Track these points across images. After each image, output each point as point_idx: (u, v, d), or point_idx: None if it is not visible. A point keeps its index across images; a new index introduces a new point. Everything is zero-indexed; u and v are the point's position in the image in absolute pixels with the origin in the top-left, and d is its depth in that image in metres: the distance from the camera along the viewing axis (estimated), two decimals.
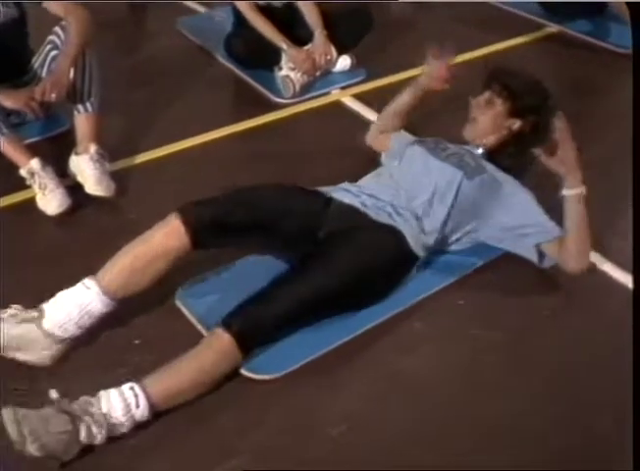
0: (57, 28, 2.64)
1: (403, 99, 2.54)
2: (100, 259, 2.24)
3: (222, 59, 3.45)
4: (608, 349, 2.02)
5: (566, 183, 2.01)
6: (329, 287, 1.93)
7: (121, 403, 1.67)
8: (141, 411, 1.69)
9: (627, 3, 3.33)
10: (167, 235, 1.95)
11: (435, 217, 2.15)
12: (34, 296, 1.95)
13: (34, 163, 2.46)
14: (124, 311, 1.98)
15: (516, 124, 2.26)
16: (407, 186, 2.19)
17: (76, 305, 1.87)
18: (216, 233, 2.00)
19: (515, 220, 2.16)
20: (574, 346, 2.05)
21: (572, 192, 2.01)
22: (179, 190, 2.58)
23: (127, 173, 2.70)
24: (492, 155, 2.30)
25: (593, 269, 2.25)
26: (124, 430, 1.69)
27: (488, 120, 2.28)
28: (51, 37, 2.66)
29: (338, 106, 3.20)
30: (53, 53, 2.64)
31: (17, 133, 2.57)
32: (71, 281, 2.06)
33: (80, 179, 2.55)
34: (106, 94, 2.69)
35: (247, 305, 1.88)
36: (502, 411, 1.85)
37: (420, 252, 2.14)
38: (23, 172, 2.48)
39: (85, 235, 2.42)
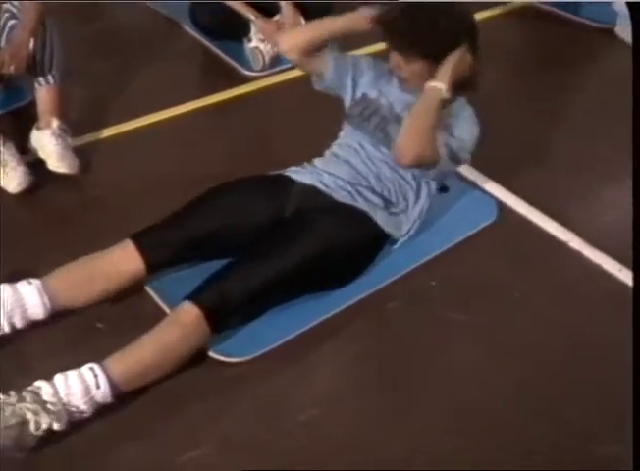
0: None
1: (340, 27, 2.16)
2: (63, 238, 2.21)
3: (189, 29, 3.36)
4: (583, 332, 2.01)
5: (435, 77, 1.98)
6: (291, 267, 1.88)
7: (80, 385, 1.60)
8: (102, 393, 1.63)
9: (627, 3, 3.29)
10: (122, 258, 1.91)
11: (390, 189, 2.10)
12: None
13: None
14: None
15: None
16: (360, 166, 2.12)
17: (11, 299, 1.79)
18: (173, 256, 1.96)
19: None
20: (547, 329, 2.03)
21: (431, 85, 1.97)
22: (145, 167, 2.52)
23: (91, 148, 2.62)
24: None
25: (562, 246, 2.25)
26: (85, 415, 1.63)
27: (413, 76, 2.05)
28: (6, 5, 2.53)
29: (308, 79, 3.12)
30: (11, 22, 2.51)
31: None
32: (32, 261, 2.02)
33: (41, 155, 2.46)
34: (68, 65, 2.58)
35: (215, 281, 1.84)
36: (476, 396, 1.83)
37: (390, 228, 2.09)
38: None
39: (48, 214, 2.35)
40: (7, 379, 1.67)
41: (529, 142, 2.74)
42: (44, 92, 2.52)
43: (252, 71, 3.09)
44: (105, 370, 1.63)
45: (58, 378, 1.61)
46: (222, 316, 1.81)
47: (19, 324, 1.82)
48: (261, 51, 3.06)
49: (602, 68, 3.35)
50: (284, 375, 1.86)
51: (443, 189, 2.42)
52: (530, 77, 3.18)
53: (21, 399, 1.55)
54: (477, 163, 2.55)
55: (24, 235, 2.22)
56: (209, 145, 2.66)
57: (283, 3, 3.16)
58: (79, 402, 1.60)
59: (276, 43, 3.06)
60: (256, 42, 3.08)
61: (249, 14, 3.11)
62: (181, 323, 1.75)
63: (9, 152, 2.37)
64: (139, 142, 2.69)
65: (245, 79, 3.06)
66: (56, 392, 1.58)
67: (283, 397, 1.80)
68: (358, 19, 2.11)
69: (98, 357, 1.69)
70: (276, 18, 3.15)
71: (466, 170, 2.55)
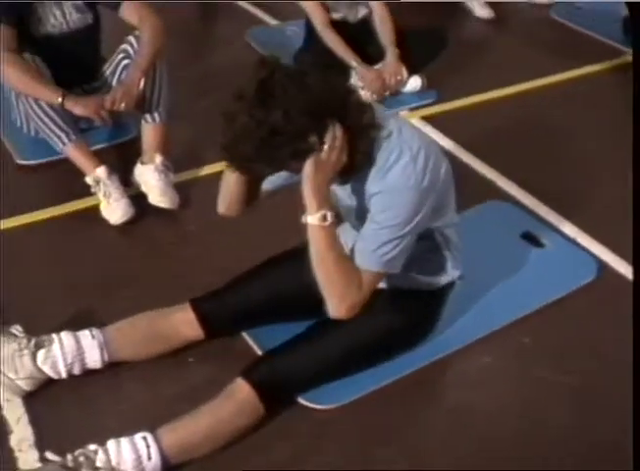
0: (130, 37, 2.64)
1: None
2: (158, 269, 2.26)
3: None
4: None
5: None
6: (353, 345, 1.81)
7: (132, 455, 1.57)
8: (153, 465, 1.59)
9: (627, 3, 3.24)
10: (183, 323, 1.90)
11: None
12: (88, 298, 1.98)
13: (100, 171, 2.47)
14: None
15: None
16: None
17: (73, 349, 1.82)
18: (233, 325, 1.96)
19: None
20: None
21: (303, 223, 1.63)
22: None
23: (190, 184, 2.68)
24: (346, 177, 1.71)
25: None
26: None
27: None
28: (124, 46, 2.67)
29: None
30: (125, 62, 2.65)
31: (84, 140, 2.59)
32: (128, 288, 2.10)
33: (144, 188, 2.54)
34: (173, 103, 2.68)
35: (271, 355, 1.81)
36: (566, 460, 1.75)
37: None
38: (88, 179, 2.48)
39: (146, 245, 2.41)
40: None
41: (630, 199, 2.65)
42: (150, 129, 2.62)
43: None
44: (158, 441, 1.61)
45: (111, 445, 1.59)
46: (275, 394, 1.74)
47: (77, 372, 1.84)
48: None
49: None
50: (370, 425, 1.82)
51: (538, 244, 2.38)
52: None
53: (77, 465, 1.55)
54: (578, 220, 2.49)
55: (121, 264, 2.29)
56: None
57: (388, 51, 3.18)
58: None
59: (375, 91, 3.11)
60: (356, 87, 3.10)
61: (352, 61, 3.14)
62: (233, 399, 1.70)
63: (113, 185, 2.46)
64: None
65: None
66: (108, 460, 1.57)
67: (371, 448, 1.76)
68: None
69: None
70: (377, 66, 3.17)
71: (568, 227, 2.49)
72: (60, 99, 2.44)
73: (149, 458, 1.58)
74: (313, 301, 1.70)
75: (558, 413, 1.88)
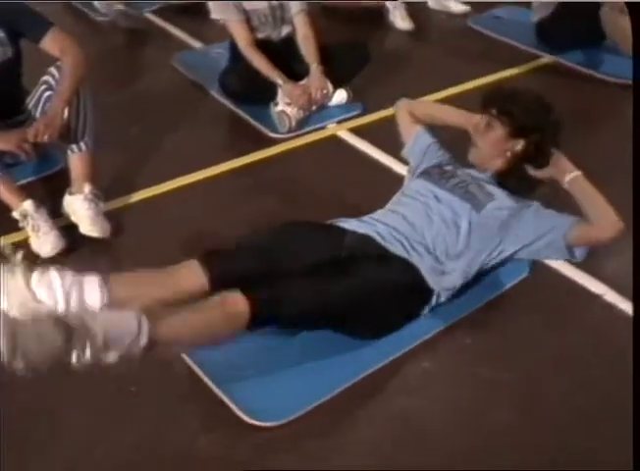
0: (52, 69, 2.58)
1: (451, 119, 2.44)
2: None
3: (216, 95, 3.40)
4: (623, 392, 1.93)
5: (562, 178, 2.13)
6: (337, 293, 1.89)
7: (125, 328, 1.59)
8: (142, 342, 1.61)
9: (627, 3, 3.29)
10: (188, 276, 1.92)
11: (450, 250, 2.10)
12: None
13: (27, 205, 2.40)
14: None
15: (519, 145, 2.20)
16: (419, 222, 2.14)
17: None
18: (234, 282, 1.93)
19: (533, 233, 2.13)
20: (584, 390, 1.97)
21: (571, 178, 2.12)
22: (176, 229, 2.52)
23: (122, 212, 2.63)
24: (500, 178, 2.26)
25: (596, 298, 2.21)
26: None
27: (489, 144, 2.22)
28: (45, 78, 2.60)
29: (334, 140, 3.15)
30: (47, 93, 2.58)
31: (9, 175, 2.51)
32: None
33: (74, 219, 2.48)
34: (99, 130, 2.63)
35: (272, 285, 1.85)
36: (509, 455, 1.76)
37: (436, 286, 2.07)
38: (15, 214, 2.41)
39: None
40: None
41: (554, 196, 2.71)
42: (77, 159, 2.56)
43: (278, 133, 3.11)
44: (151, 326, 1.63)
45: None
46: (265, 317, 1.81)
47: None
48: (287, 114, 3.08)
49: (622, 121, 3.34)
50: (316, 438, 1.81)
51: None
52: None
53: (74, 324, 1.54)
54: None
55: None
56: (238, 206, 2.67)
57: (312, 67, 3.20)
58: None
59: (302, 106, 3.12)
60: (283, 106, 3.11)
61: (278, 79, 3.14)
62: (227, 310, 1.75)
63: (41, 218, 2.39)
64: (170, 205, 2.70)
65: (273, 142, 3.08)
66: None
67: (317, 462, 1.74)
68: (476, 121, 2.25)
69: None
70: (303, 82, 3.18)
71: None
72: None
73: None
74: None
75: (501, 412, 1.88)
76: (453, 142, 2.43)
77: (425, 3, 4.45)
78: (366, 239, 2.08)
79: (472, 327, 2.14)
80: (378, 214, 2.23)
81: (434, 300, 2.09)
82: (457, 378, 2.01)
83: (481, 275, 2.20)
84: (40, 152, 2.68)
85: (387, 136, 2.67)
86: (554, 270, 2.36)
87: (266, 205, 2.65)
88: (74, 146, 2.55)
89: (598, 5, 3.49)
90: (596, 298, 2.26)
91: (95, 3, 4.27)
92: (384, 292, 1.95)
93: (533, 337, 2.13)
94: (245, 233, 2.30)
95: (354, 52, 3.37)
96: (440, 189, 2.22)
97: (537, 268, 2.34)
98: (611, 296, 2.25)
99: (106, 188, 2.61)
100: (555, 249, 2.14)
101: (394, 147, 2.61)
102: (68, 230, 2.45)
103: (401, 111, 2.53)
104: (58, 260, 2.33)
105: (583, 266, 2.31)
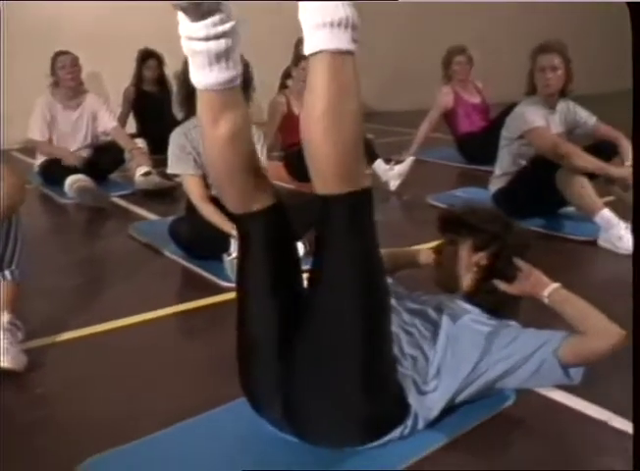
0: None
1: (405, 258, 2.27)
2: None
3: (169, 254, 3.18)
4: None
5: (540, 292, 1.85)
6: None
7: None
8: None
9: (627, 3, 3.21)
10: None
11: (428, 364, 1.78)
12: None
13: None
14: None
15: (483, 258, 1.97)
16: (396, 334, 1.82)
17: None
18: None
19: (518, 354, 1.77)
20: None
21: (550, 291, 1.84)
22: (99, 368, 2.18)
23: (45, 349, 2.27)
24: (472, 297, 1.98)
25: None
26: None
27: (454, 261, 2.01)
28: None
29: None
30: None
31: None
32: None
33: None
34: (39, 282, 2.46)
35: None
36: None
37: (415, 402, 1.73)
38: None
39: None
40: None
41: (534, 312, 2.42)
42: (0, 287, 2.25)
43: (231, 282, 2.84)
44: None
45: None
46: None
47: None
48: None
49: (586, 273, 3.14)
50: None
51: None
52: None
53: None
54: None
55: None
56: (182, 347, 2.35)
57: None
58: None
59: None
60: (236, 254, 2.88)
61: (231, 230, 2.95)
62: None
63: None
64: (100, 345, 2.35)
65: (224, 290, 2.80)
66: None
67: None
68: (425, 256, 2.15)
69: None
70: None
71: None
72: None
73: None
74: None
75: None
76: None
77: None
78: None
79: (456, 454, 1.74)
80: None
81: (409, 422, 1.73)
82: None
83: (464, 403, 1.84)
84: None
85: None
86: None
87: (212, 346, 2.31)
88: None
89: (554, 171, 3.43)
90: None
91: (66, 186, 4.19)
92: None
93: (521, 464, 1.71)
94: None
95: (309, 207, 3.22)
96: (412, 303, 1.95)
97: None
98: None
99: (33, 329, 2.30)
100: (547, 371, 1.76)
101: None
102: None
103: None
104: None
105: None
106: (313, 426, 1.67)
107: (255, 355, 1.73)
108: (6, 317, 2.18)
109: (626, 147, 3.41)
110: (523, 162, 3.60)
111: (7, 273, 2.27)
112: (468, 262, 1.99)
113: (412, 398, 1.73)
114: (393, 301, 1.95)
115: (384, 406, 1.69)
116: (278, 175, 4.02)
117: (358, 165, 1.57)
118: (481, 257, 1.97)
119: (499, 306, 1.96)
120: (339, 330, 1.60)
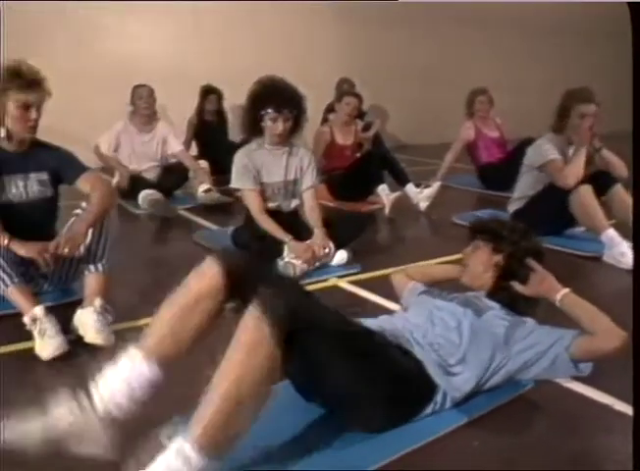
0: (83, 204, 2.51)
1: (440, 273, 2.38)
2: None
3: None
4: None
5: (553, 296, 1.91)
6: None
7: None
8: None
9: (627, 3, 3.23)
10: (200, 278, 1.63)
11: (454, 352, 1.85)
12: None
13: (38, 309, 2.19)
14: None
15: (500, 259, 2.08)
16: (423, 323, 1.93)
17: (123, 380, 1.54)
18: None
19: (533, 350, 1.86)
20: None
21: (562, 295, 1.90)
22: None
23: (125, 331, 2.38)
24: (494, 294, 2.07)
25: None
26: None
27: (478, 261, 2.11)
28: (77, 211, 2.53)
29: (335, 289, 2.97)
30: (74, 218, 2.49)
31: (26, 284, 2.32)
32: None
33: (81, 331, 2.25)
34: (121, 276, 2.53)
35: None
36: None
37: (443, 382, 1.80)
38: (26, 318, 2.19)
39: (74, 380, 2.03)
40: None
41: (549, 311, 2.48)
42: (92, 278, 2.41)
43: None
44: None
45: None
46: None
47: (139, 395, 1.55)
48: (293, 264, 2.95)
49: (593, 283, 3.18)
50: None
51: None
52: None
53: None
54: None
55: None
56: None
57: (315, 230, 3.15)
58: None
59: (306, 261, 2.99)
60: (289, 259, 2.99)
61: (284, 237, 3.06)
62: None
63: (50, 322, 2.18)
64: None
65: None
66: None
67: None
68: (458, 270, 2.20)
69: None
70: (308, 241, 3.09)
71: None
72: (6, 241, 2.23)
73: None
74: None
75: None
76: None
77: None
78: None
79: (480, 431, 1.80)
80: (379, 319, 2.01)
81: (439, 398, 1.80)
82: None
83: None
84: (63, 281, 2.56)
85: (384, 285, 2.53)
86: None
87: None
88: (91, 266, 2.41)
89: (566, 195, 3.48)
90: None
91: (140, 199, 4.36)
92: (382, 377, 1.66)
93: (541, 443, 1.78)
94: None
95: (352, 221, 3.33)
96: (440, 301, 2.05)
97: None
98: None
99: (117, 312, 2.38)
100: (560, 365, 1.85)
101: (391, 293, 2.45)
102: (73, 343, 2.19)
103: (397, 274, 2.40)
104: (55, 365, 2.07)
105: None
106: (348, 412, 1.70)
107: None
108: (98, 301, 2.30)
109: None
110: (540, 187, 3.67)
111: (99, 265, 2.41)
112: (489, 263, 2.08)
113: (440, 379, 1.79)
114: (424, 299, 2.06)
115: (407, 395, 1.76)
116: (321, 195, 4.12)
117: None
118: (499, 259, 2.07)
119: (516, 304, 2.03)
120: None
